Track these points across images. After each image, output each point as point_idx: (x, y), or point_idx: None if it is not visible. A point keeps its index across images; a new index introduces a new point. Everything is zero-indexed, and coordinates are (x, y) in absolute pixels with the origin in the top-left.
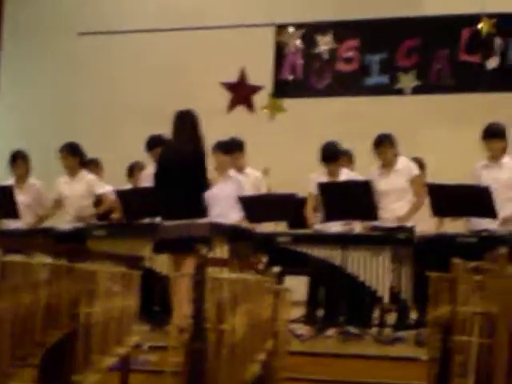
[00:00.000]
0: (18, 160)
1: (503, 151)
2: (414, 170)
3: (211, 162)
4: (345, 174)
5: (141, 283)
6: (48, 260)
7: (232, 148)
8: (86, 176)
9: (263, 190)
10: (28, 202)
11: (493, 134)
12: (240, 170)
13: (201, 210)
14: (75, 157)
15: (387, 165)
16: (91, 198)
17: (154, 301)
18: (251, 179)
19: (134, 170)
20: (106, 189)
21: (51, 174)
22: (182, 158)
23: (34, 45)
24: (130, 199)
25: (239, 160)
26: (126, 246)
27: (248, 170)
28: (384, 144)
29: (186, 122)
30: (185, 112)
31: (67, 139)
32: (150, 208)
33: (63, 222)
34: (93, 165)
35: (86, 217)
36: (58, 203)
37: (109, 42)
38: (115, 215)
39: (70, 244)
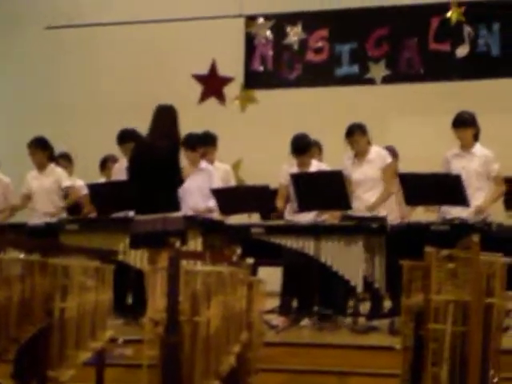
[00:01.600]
0: None
1: (474, 139)
2: (387, 158)
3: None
4: (315, 166)
5: (114, 277)
6: (20, 255)
7: (200, 143)
8: (55, 170)
9: (232, 184)
10: None
11: (462, 122)
12: (209, 163)
13: (174, 203)
14: (44, 151)
15: (360, 154)
16: (60, 193)
17: (128, 294)
18: (220, 173)
19: (106, 163)
20: (74, 182)
21: (20, 169)
22: (155, 153)
23: (1, 38)
24: (101, 193)
25: (211, 154)
26: (99, 240)
27: (217, 164)
28: (356, 134)
29: (164, 117)
30: (163, 107)
31: (37, 134)
32: (123, 202)
33: (34, 217)
34: (64, 159)
35: (55, 211)
36: (27, 197)
37: (77, 35)
38: (86, 209)
39: (43, 239)
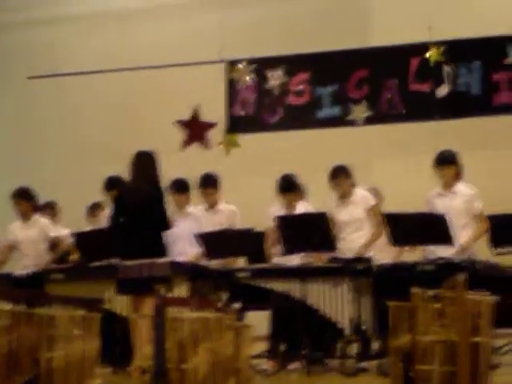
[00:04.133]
0: None
1: (456, 178)
2: (371, 200)
3: (169, 201)
4: (302, 206)
5: (101, 326)
6: (7, 306)
7: (187, 188)
8: (40, 220)
9: (237, 224)
10: None
11: (443, 160)
12: (213, 205)
13: (161, 249)
14: (28, 201)
15: (344, 196)
16: (46, 243)
17: (115, 343)
18: (225, 213)
19: (93, 210)
20: (60, 232)
21: (4, 220)
22: (141, 198)
23: None
24: (87, 241)
25: (213, 195)
26: (85, 289)
27: (221, 206)
28: (340, 176)
29: (145, 163)
30: (144, 153)
31: (21, 183)
32: (108, 249)
33: (20, 268)
34: (49, 208)
35: (41, 262)
36: (10, 249)
37: (60, 84)
38: (72, 256)
39: (29, 289)
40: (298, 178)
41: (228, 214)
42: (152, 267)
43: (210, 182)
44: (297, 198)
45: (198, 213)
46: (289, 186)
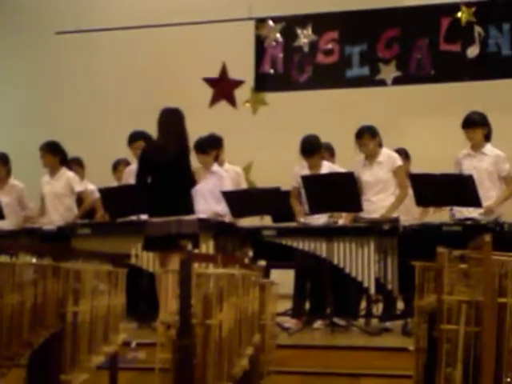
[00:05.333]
0: None
1: (484, 139)
2: (397, 160)
3: (194, 160)
4: (326, 167)
5: (127, 281)
6: (33, 260)
7: (210, 147)
8: (66, 174)
9: (243, 186)
10: (10, 202)
11: (471, 122)
12: (219, 165)
13: (188, 206)
14: (55, 155)
15: (370, 156)
16: (72, 197)
17: (141, 298)
18: (231, 175)
19: (118, 166)
20: (86, 186)
21: (34, 174)
22: (168, 155)
23: (11, 44)
24: (113, 197)
25: (218, 156)
26: (111, 244)
27: (227, 166)
28: (365, 136)
29: (172, 120)
30: (170, 109)
31: (48, 138)
32: (134, 205)
33: (46, 222)
34: (75, 164)
35: (67, 216)
36: (44, 203)
37: (88, 40)
38: (98, 215)
39: (55, 243)
40: (323, 139)
41: (233, 175)
42: (180, 224)
43: (215, 143)
44: (320, 159)
45: (222, 171)
46: (310, 149)
